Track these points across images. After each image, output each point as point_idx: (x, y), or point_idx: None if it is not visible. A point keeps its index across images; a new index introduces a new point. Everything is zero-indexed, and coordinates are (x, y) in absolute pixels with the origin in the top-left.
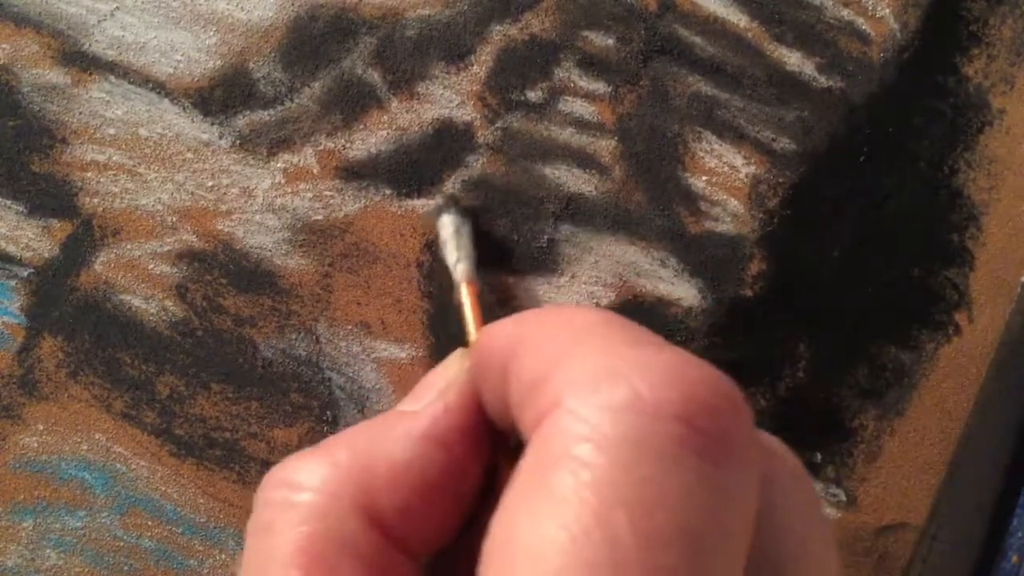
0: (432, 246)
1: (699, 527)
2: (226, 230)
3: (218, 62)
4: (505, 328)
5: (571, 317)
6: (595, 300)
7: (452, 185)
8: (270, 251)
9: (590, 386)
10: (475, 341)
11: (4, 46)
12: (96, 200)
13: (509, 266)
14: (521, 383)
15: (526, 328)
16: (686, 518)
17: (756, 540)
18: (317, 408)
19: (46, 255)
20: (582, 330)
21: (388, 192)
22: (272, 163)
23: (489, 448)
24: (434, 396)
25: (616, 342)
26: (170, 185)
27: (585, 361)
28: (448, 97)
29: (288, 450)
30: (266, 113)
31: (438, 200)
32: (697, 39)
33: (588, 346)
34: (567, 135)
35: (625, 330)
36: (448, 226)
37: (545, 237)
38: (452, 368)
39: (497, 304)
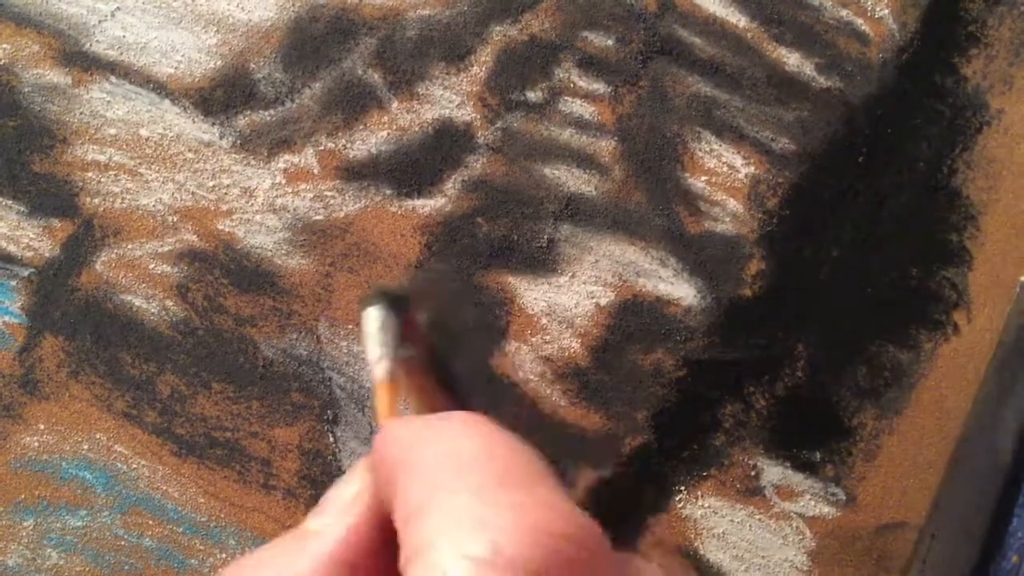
0: (432, 246)
1: None
2: (227, 230)
3: (219, 62)
4: (396, 438)
5: (456, 443)
6: (595, 300)
7: (452, 185)
8: (271, 251)
9: (454, 537)
10: (373, 448)
11: (5, 46)
12: (97, 200)
13: (509, 266)
14: (401, 511)
15: (412, 446)
16: None
17: None
18: (318, 407)
19: (47, 255)
20: (462, 462)
21: (388, 192)
22: (273, 163)
23: (395, 557)
24: (338, 513)
25: (491, 482)
26: (171, 185)
27: (453, 503)
28: (448, 97)
29: (289, 449)
30: (267, 113)
31: (371, 289)
32: (697, 39)
33: (461, 484)
34: (567, 135)
35: (506, 465)
36: (374, 320)
37: (545, 237)
38: (356, 481)
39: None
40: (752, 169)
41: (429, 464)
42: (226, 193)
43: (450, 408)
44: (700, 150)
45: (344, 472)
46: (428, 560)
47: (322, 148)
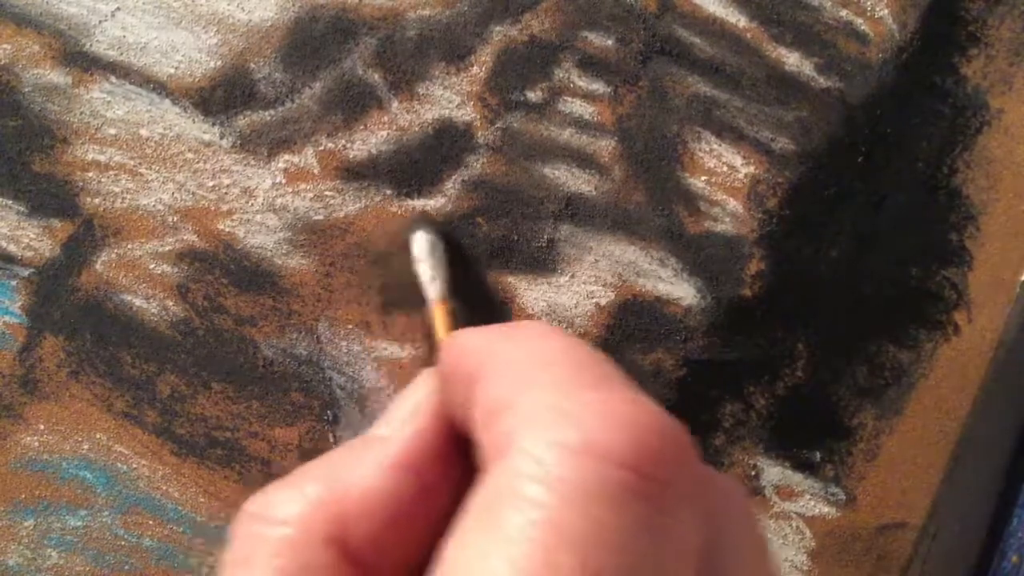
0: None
1: (640, 568)
2: (227, 230)
3: (219, 62)
4: (470, 345)
5: (535, 344)
6: (595, 300)
7: (452, 185)
8: (271, 251)
9: (544, 426)
10: (441, 357)
11: (5, 46)
12: (97, 200)
13: (509, 266)
14: (482, 408)
15: (490, 348)
16: (627, 560)
17: None
18: (318, 407)
19: (47, 255)
20: (544, 360)
21: (388, 192)
22: (273, 163)
23: (461, 468)
24: (403, 420)
25: (575, 379)
26: (171, 185)
27: (542, 398)
28: (448, 97)
29: (289, 449)
30: (267, 113)
31: (413, 217)
32: (696, 40)
33: (547, 380)
34: (567, 135)
35: (586, 365)
36: (422, 244)
37: (545, 237)
38: (421, 390)
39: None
40: (752, 169)
41: (511, 363)
42: (226, 193)
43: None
44: (700, 150)
45: None
46: (517, 449)
47: (322, 148)
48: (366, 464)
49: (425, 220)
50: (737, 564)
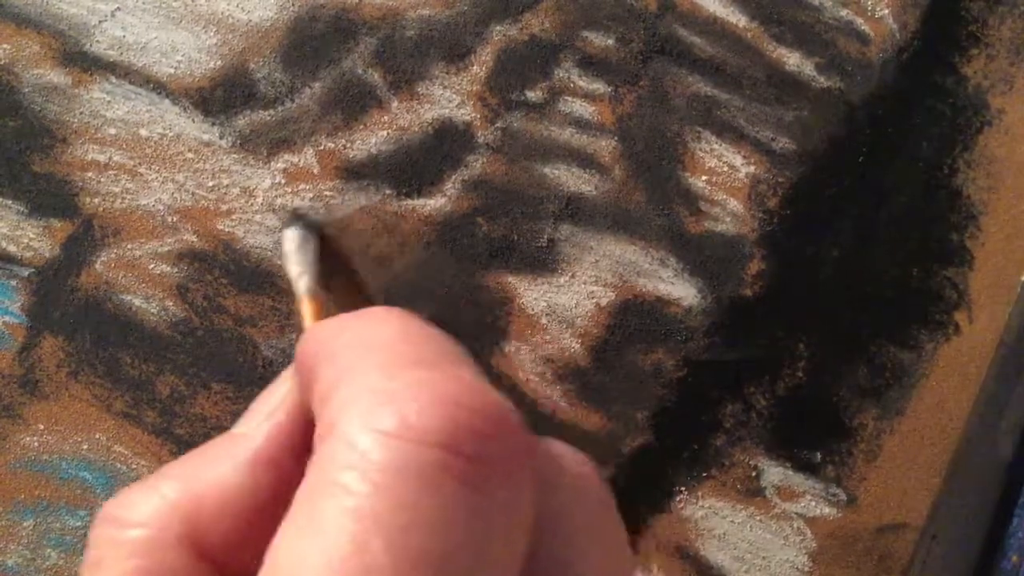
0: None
1: (456, 551)
2: (227, 230)
3: (219, 62)
4: (317, 335)
5: (371, 328)
6: (595, 300)
7: (452, 185)
8: (271, 251)
9: (361, 410)
10: (296, 349)
11: (5, 46)
12: (97, 200)
13: (509, 266)
14: (316, 396)
15: (330, 336)
16: (443, 543)
17: (542, 548)
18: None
19: (47, 255)
20: (374, 343)
21: (388, 192)
22: (273, 163)
23: None
24: (262, 417)
25: (401, 359)
26: (171, 185)
27: (364, 380)
28: (448, 97)
29: None
30: (267, 113)
31: (286, 216)
32: (697, 39)
33: (373, 363)
34: (567, 135)
35: (417, 344)
36: (292, 240)
37: (545, 237)
38: (282, 386)
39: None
40: (752, 169)
41: (343, 349)
42: (226, 193)
43: None
44: (700, 150)
45: None
46: (337, 434)
47: (322, 148)
48: (224, 462)
49: (297, 217)
50: (577, 532)
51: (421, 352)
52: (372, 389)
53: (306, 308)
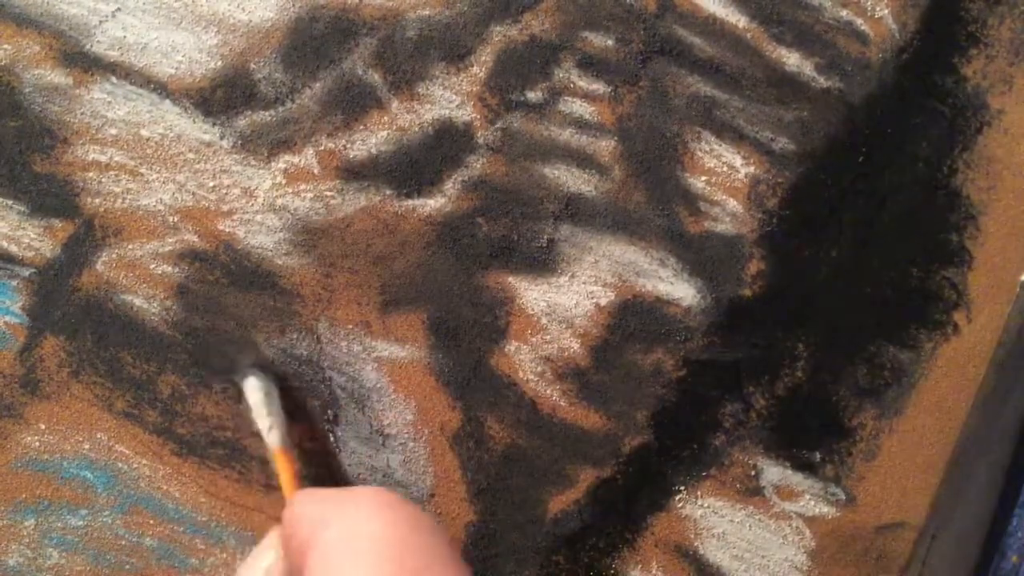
0: (433, 246)
1: None
2: (227, 230)
3: (219, 63)
4: (305, 514)
5: (355, 524)
6: (595, 300)
7: (452, 185)
8: (271, 251)
9: None
10: (283, 520)
11: (6, 47)
12: (98, 200)
13: (509, 266)
14: None
15: (320, 525)
16: None
17: None
18: (318, 407)
19: (48, 255)
20: (363, 549)
21: (388, 192)
22: (273, 163)
23: None
24: None
25: (385, 569)
26: (171, 185)
27: None
28: (448, 97)
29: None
30: (267, 114)
31: (245, 362)
32: (696, 39)
33: (359, 569)
34: (567, 135)
35: (403, 553)
36: (256, 391)
37: (545, 237)
38: (268, 554)
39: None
40: (752, 169)
41: (333, 544)
42: (226, 193)
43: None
44: (700, 150)
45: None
46: None
47: (322, 148)
48: None
49: (256, 362)
50: None
51: (404, 559)
52: None
53: (281, 464)
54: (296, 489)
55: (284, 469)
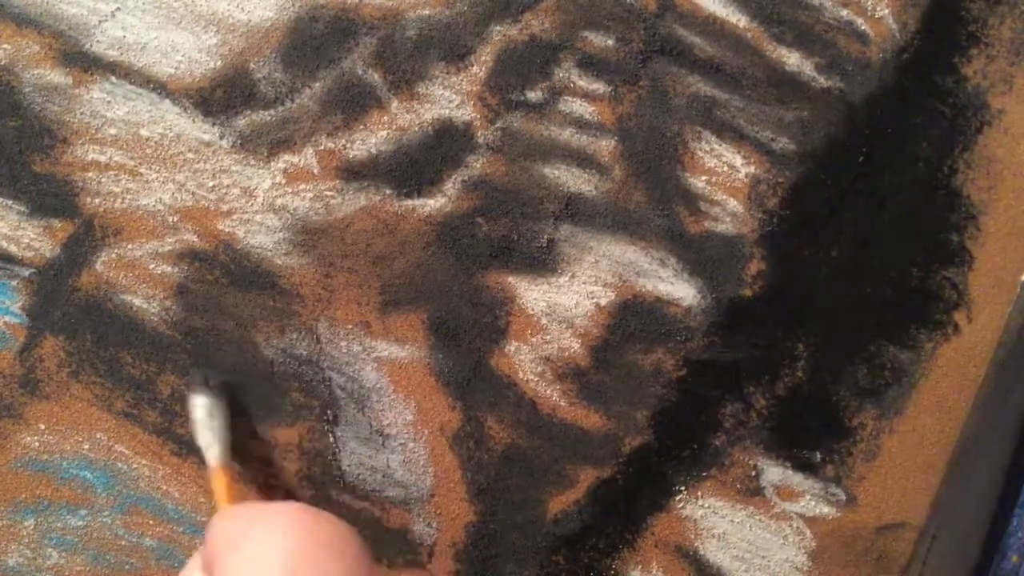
0: (433, 246)
1: None
2: (227, 230)
3: (219, 63)
4: (224, 531)
5: (270, 550)
6: (595, 300)
7: (452, 185)
8: (271, 251)
9: None
10: (205, 534)
11: (6, 47)
12: (97, 200)
13: (509, 266)
14: None
15: (233, 544)
16: None
17: None
18: (318, 407)
19: (47, 255)
20: (261, 569)
21: (388, 192)
22: (273, 163)
23: None
24: None
25: None
26: (171, 185)
27: None
28: (448, 97)
29: (289, 449)
30: (267, 113)
31: (191, 376)
32: (697, 39)
33: None
34: (567, 135)
35: (311, 566)
36: (201, 408)
37: (545, 237)
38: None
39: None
40: (752, 169)
41: (244, 565)
42: (226, 193)
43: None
44: (700, 150)
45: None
46: None
47: (322, 148)
48: None
49: (202, 379)
50: None
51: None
52: None
53: (217, 483)
54: (227, 506)
55: (219, 487)
